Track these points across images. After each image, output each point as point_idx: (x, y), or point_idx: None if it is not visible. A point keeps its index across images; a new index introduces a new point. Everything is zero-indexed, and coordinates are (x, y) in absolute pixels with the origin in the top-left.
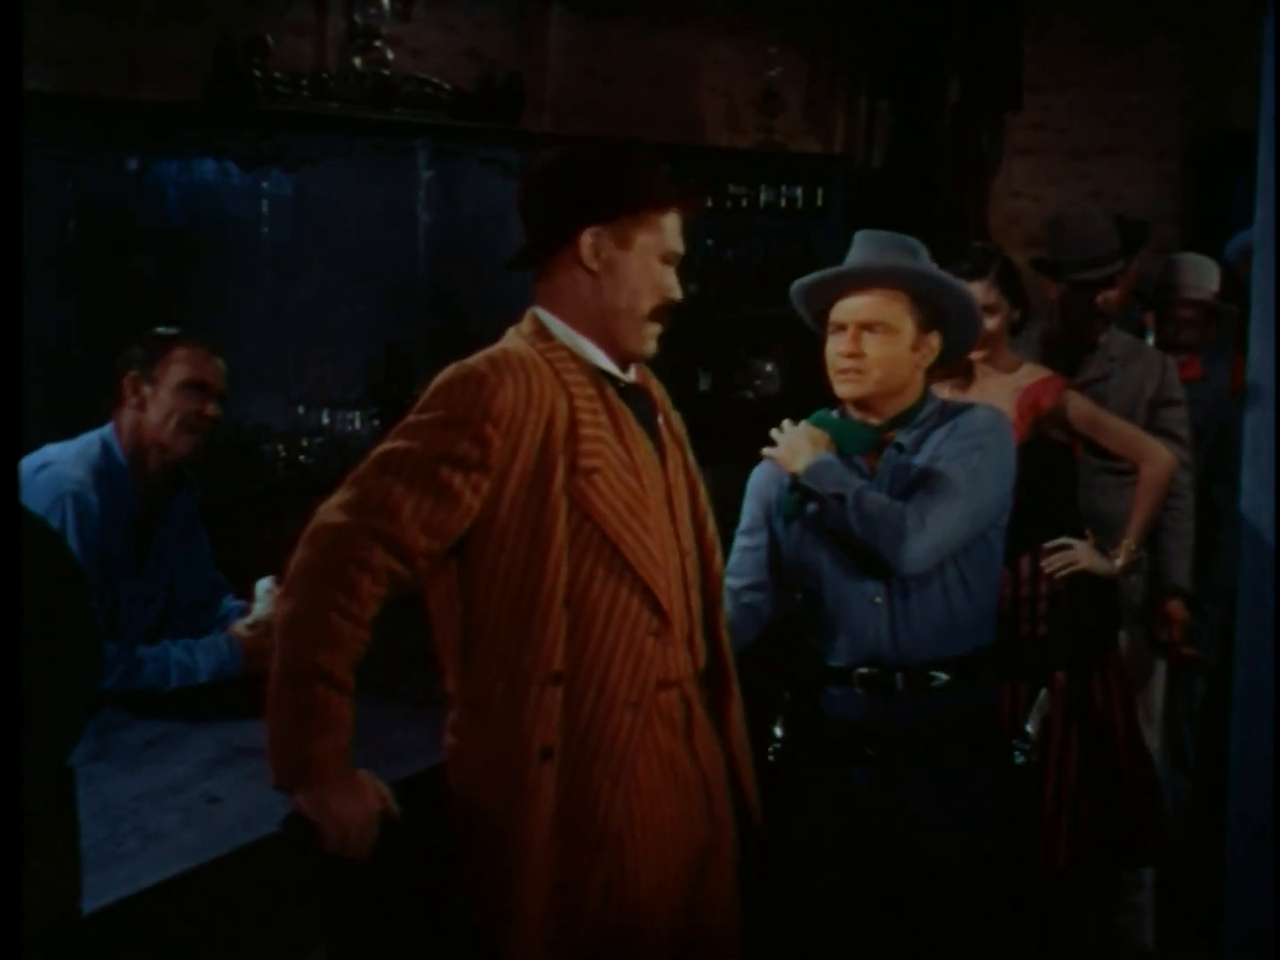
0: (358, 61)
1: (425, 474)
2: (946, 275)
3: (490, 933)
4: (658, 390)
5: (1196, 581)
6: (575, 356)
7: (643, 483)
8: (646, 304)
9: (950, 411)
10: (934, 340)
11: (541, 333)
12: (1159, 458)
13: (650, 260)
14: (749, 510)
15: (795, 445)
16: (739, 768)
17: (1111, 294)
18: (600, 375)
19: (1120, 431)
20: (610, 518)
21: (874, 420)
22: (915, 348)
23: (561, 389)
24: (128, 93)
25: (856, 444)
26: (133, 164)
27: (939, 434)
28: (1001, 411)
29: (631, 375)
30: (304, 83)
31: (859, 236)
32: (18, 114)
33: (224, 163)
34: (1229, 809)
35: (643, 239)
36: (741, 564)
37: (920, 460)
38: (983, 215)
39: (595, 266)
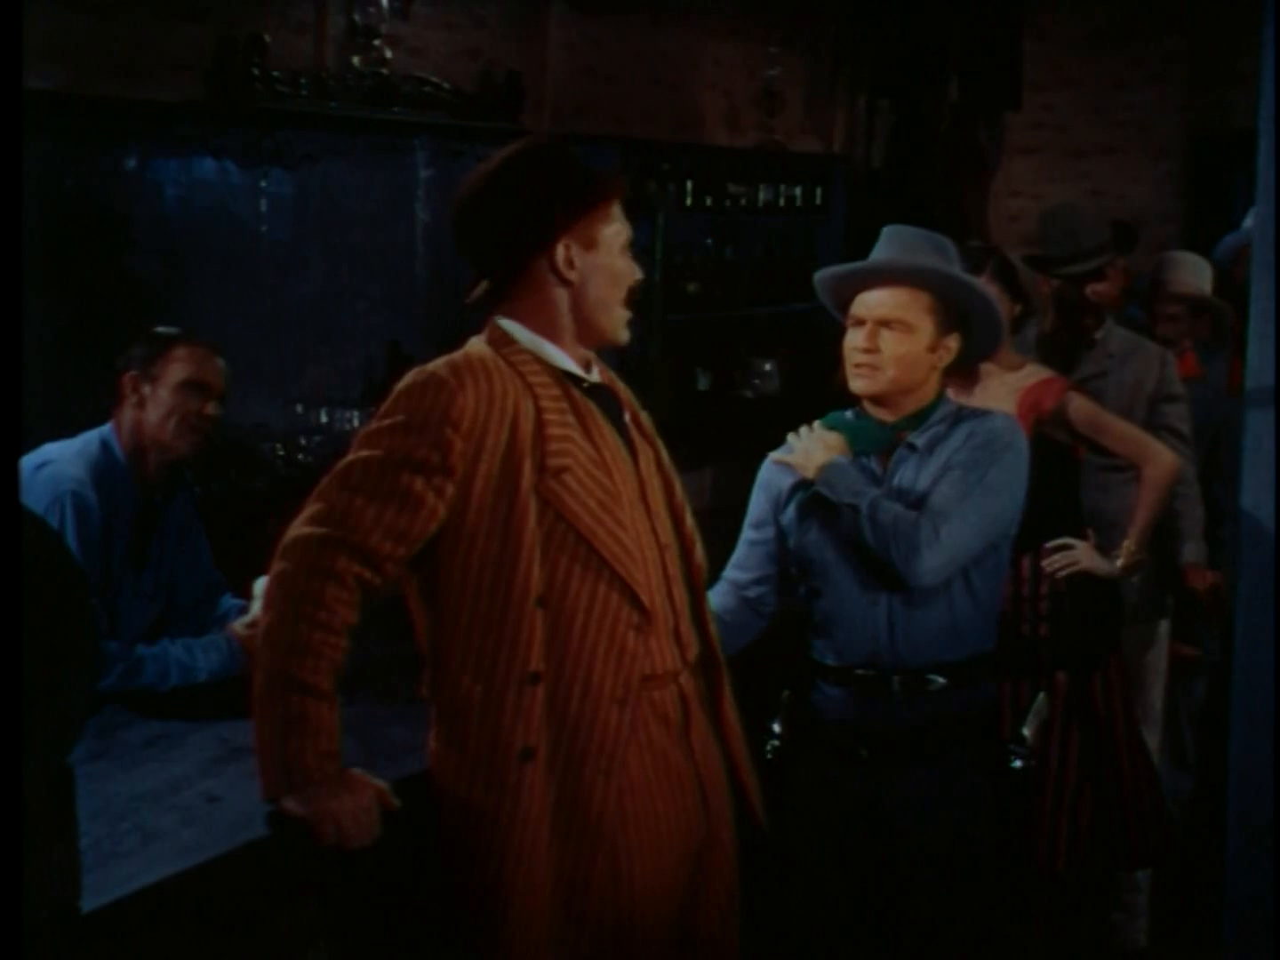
0: (357, 60)
1: (387, 480)
2: (970, 277)
3: (488, 934)
4: (623, 390)
5: None
6: (538, 359)
7: (614, 479)
8: (620, 295)
9: (965, 416)
10: (952, 342)
11: (504, 339)
12: (1161, 459)
13: (615, 253)
14: (756, 503)
15: (810, 449)
16: (736, 762)
17: (1100, 287)
18: (564, 377)
19: (1122, 433)
20: (583, 515)
21: (887, 418)
22: (932, 348)
23: (526, 390)
24: (127, 92)
25: (869, 443)
26: (132, 163)
27: (954, 439)
28: (1015, 419)
29: (595, 375)
30: (303, 82)
31: (886, 231)
32: (18, 114)
33: (223, 161)
34: (1229, 809)
35: (604, 234)
36: (747, 558)
37: (933, 463)
38: (982, 215)
39: (571, 276)
